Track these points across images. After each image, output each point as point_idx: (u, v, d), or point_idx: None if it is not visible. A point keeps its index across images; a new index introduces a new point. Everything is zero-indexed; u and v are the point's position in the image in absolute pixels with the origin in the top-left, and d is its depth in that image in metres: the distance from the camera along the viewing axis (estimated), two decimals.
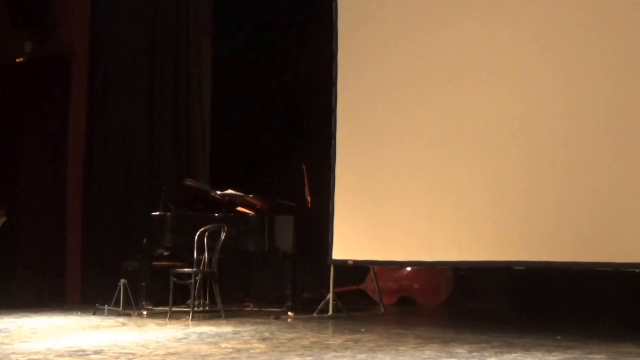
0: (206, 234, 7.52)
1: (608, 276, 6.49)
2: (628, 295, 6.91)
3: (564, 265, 6.12)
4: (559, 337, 5.56)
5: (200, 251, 7.52)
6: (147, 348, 5.28)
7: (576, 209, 5.96)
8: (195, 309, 7.54)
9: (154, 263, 8.26)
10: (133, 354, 4.96)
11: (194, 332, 6.23)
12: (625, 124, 5.76)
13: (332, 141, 7.55)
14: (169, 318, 7.32)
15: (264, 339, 5.69)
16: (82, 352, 5.09)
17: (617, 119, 5.81)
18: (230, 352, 5.01)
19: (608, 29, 5.90)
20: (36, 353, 5.08)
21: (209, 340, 5.70)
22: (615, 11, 5.86)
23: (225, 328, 6.52)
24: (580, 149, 5.97)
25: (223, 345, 5.36)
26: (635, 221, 5.64)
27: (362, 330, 6.22)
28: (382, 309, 7.96)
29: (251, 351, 5.05)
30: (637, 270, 5.81)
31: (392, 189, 7.09)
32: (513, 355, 4.75)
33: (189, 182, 8.55)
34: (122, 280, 7.74)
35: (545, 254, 6.10)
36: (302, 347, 5.23)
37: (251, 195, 8.16)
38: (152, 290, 8.15)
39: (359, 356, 4.77)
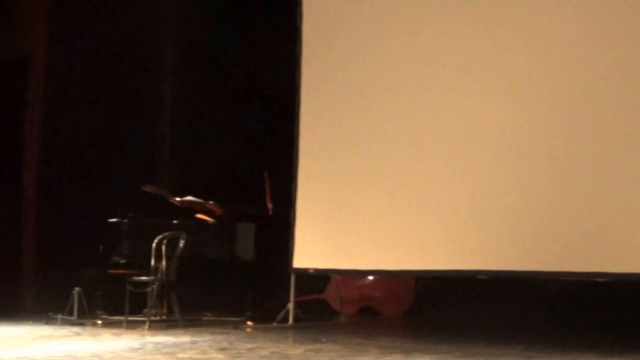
0: (164, 241, 7.41)
1: (572, 285, 6.51)
2: (593, 304, 6.94)
3: (526, 275, 6.13)
4: (520, 347, 5.57)
5: (158, 259, 7.42)
6: (101, 358, 5.21)
7: (537, 217, 5.96)
8: (152, 318, 7.43)
9: (110, 271, 8.11)
10: None
11: (151, 342, 6.16)
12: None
13: (294, 147, 7.49)
14: (125, 327, 7.22)
15: (222, 349, 5.64)
16: None
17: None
18: None
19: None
20: None
21: (166, 350, 5.64)
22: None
23: (182, 338, 6.44)
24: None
25: (180, 356, 5.30)
26: (605, 231, 5.65)
27: (323, 340, 6.19)
28: (344, 319, 7.91)
29: None
30: (600, 280, 5.83)
31: (354, 197, 7.05)
32: None
33: (148, 188, 8.42)
34: (76, 289, 7.62)
35: (507, 263, 6.12)
36: (261, 357, 5.20)
37: (211, 202, 8.08)
38: (108, 299, 8.02)
39: None
